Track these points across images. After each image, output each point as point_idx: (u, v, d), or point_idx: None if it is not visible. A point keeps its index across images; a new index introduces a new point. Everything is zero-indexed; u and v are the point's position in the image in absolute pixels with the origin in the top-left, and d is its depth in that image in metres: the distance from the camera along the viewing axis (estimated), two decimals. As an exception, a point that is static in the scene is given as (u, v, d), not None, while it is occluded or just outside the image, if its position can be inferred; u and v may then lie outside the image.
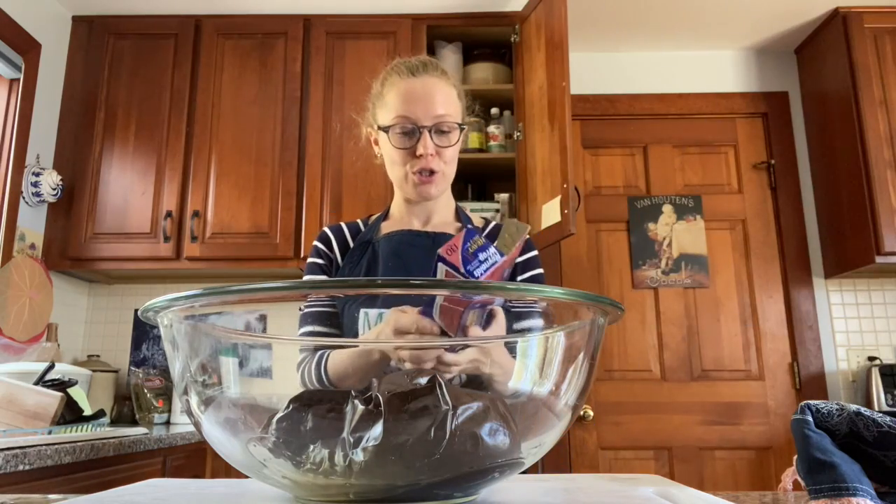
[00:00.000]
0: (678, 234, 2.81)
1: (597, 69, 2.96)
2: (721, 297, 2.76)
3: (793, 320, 2.72)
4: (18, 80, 2.43)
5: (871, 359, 2.63)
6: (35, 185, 2.42)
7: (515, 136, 2.52)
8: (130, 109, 2.62)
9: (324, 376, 1.07)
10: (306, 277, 1.22)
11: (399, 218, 1.27)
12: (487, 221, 1.30)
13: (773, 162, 2.85)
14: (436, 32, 2.70)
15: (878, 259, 2.42)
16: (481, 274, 0.92)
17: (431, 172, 1.17)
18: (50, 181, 2.44)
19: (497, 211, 2.53)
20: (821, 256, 2.77)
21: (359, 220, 1.29)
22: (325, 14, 2.67)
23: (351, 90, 2.58)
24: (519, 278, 1.19)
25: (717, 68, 2.97)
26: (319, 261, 1.23)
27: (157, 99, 2.61)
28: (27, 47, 2.44)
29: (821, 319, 2.72)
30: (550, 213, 2.22)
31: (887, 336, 2.69)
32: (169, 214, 2.50)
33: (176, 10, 2.68)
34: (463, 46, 2.73)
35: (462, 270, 0.91)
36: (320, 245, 1.24)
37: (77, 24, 2.70)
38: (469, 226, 1.23)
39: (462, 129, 1.19)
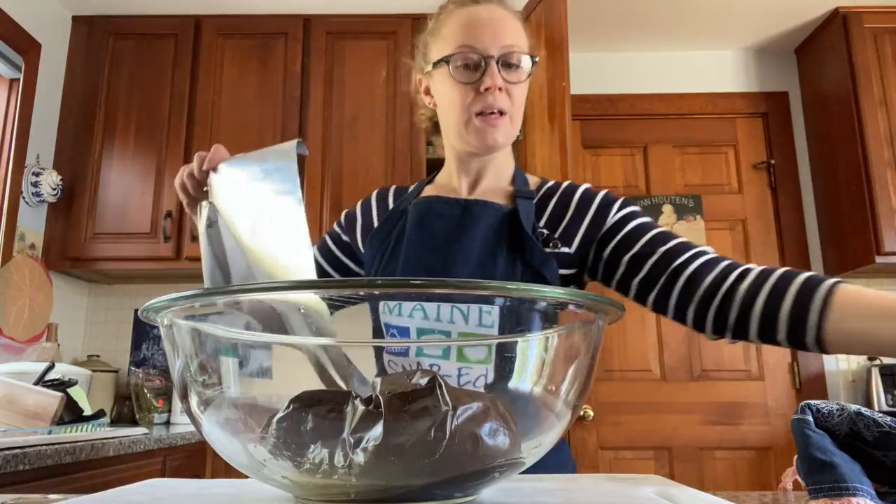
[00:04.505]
0: (678, 233, 2.81)
1: (597, 69, 2.96)
2: (721, 297, 2.76)
3: (793, 320, 2.71)
4: (18, 80, 2.43)
5: (871, 359, 2.63)
6: (35, 185, 2.42)
7: (515, 136, 2.51)
8: (130, 109, 2.62)
9: None
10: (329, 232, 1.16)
11: (444, 182, 1.10)
12: (543, 181, 1.10)
13: (773, 162, 2.85)
14: (436, 32, 2.70)
15: (878, 259, 2.42)
16: None
17: (501, 113, 0.98)
18: (50, 181, 2.44)
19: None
20: (821, 256, 2.77)
21: (414, 185, 1.16)
22: (325, 14, 2.67)
23: (351, 90, 2.58)
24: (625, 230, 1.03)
25: (717, 68, 2.97)
26: (341, 225, 1.14)
27: (157, 99, 2.61)
28: (27, 47, 2.44)
29: (821, 319, 2.72)
30: (550, 213, 2.21)
31: (887, 336, 2.69)
32: (169, 214, 2.50)
33: (176, 10, 2.68)
34: (463, 46, 2.72)
35: None
36: (356, 209, 1.14)
37: (77, 24, 2.70)
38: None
39: (534, 63, 1.00)
